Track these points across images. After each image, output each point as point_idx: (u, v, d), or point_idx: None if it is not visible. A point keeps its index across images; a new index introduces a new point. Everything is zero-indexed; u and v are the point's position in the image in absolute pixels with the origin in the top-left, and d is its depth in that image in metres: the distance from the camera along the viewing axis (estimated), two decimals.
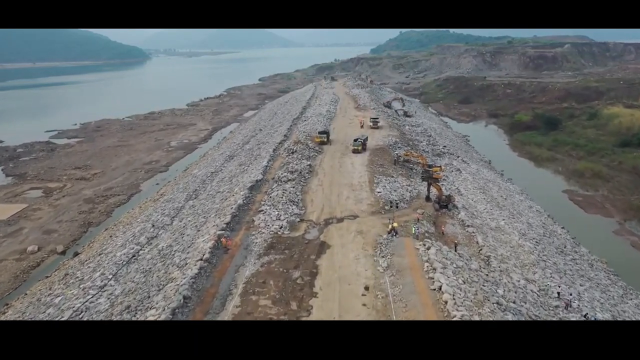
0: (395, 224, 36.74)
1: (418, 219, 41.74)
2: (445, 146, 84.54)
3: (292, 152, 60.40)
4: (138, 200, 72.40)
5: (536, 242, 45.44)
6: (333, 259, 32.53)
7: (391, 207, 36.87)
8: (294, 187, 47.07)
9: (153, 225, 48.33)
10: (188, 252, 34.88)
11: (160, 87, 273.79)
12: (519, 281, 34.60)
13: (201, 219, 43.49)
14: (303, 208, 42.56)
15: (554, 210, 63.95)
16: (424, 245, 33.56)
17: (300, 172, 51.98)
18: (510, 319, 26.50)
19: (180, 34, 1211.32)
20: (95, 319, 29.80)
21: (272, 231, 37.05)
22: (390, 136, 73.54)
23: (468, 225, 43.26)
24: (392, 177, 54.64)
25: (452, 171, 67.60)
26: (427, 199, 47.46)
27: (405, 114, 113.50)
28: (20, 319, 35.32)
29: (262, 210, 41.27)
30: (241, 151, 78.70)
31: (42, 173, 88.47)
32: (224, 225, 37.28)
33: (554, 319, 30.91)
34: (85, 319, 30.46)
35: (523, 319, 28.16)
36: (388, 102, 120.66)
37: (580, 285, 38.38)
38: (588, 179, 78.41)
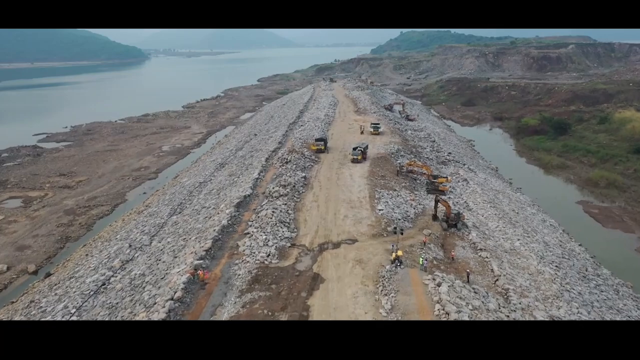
0: (399, 252, 31.95)
1: (425, 243, 36.98)
2: (450, 153, 79.75)
3: (286, 162, 55.63)
4: (122, 212, 67.62)
5: (556, 266, 40.62)
6: (327, 297, 27.75)
7: (395, 232, 32.24)
8: (285, 204, 42.27)
9: (130, 246, 43.59)
10: (159, 287, 30.07)
11: (157, 87, 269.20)
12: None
13: (180, 242, 38.70)
14: (295, 230, 37.77)
15: (569, 225, 59.23)
16: (434, 280, 28.77)
17: (294, 186, 47.20)
18: None
19: (180, 34, 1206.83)
20: None
21: (258, 260, 32.24)
22: (392, 143, 68.73)
23: (481, 249, 38.44)
24: (395, 190, 49.86)
25: (459, 181, 62.81)
26: (434, 217, 42.66)
27: (407, 118, 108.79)
28: None
29: (248, 233, 36.48)
30: (233, 158, 73.94)
31: (24, 180, 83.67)
32: (203, 253, 32.49)
33: None
34: None
35: None
36: (389, 105, 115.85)
37: None
38: (603, 188, 73.58)
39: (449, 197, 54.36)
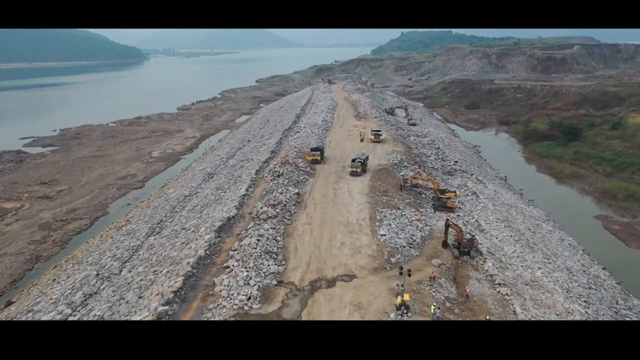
0: (405, 296, 26.60)
1: (434, 278, 31.62)
2: (456, 161, 74.36)
3: (278, 176, 50.25)
4: (102, 227, 62.36)
5: (585, 301, 35.29)
6: None
7: (401, 272, 26.77)
8: (274, 227, 36.91)
9: (98, 274, 38.27)
10: None
11: (153, 88, 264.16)
12: None
13: (150, 275, 33.35)
14: (283, 262, 32.39)
15: (590, 244, 53.87)
16: None
17: (285, 205, 41.84)
18: None
19: (180, 34, 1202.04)
20: None
21: (236, 305, 26.90)
22: (395, 152, 63.36)
23: (499, 284, 33.07)
24: (399, 209, 44.51)
25: (468, 195, 57.45)
26: (445, 244, 37.26)
27: (409, 122, 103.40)
28: None
29: (228, 267, 31.15)
30: (224, 168, 68.62)
31: (1, 190, 78.36)
32: (171, 296, 27.15)
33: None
34: None
35: None
36: (391, 108, 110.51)
37: None
38: (622, 201, 68.19)
39: (458, 215, 49.06)
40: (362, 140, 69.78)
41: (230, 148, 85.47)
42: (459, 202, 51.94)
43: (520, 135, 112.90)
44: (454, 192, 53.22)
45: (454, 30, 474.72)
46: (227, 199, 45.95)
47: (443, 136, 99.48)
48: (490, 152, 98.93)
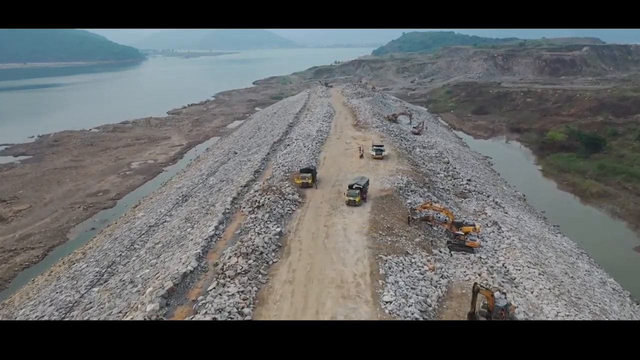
0: None
1: None
2: (469, 180, 64.95)
3: (258, 207, 40.83)
4: (56, 259, 53.05)
5: None
6: None
7: None
8: (242, 291, 27.49)
9: None
10: None
11: (147, 90, 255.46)
12: None
13: None
14: None
15: (636, 287, 44.56)
16: None
17: (262, 253, 32.46)
18: None
19: (180, 34, 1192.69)
20: None
21: None
22: (400, 173, 53.94)
23: None
24: (407, 254, 35.20)
25: (488, 225, 48.08)
26: (471, 315, 27.79)
27: (414, 131, 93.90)
28: None
29: None
30: (201, 188, 59.30)
31: None
32: None
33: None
34: None
35: None
36: (394, 115, 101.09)
37: None
38: None
39: (480, 258, 39.68)
40: (361, 156, 60.32)
41: (213, 161, 76.14)
42: (479, 238, 42.53)
43: (534, 144, 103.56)
44: (473, 225, 43.73)
45: (456, 31, 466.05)
46: (192, 240, 36.54)
47: (451, 147, 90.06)
48: (503, 165, 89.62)
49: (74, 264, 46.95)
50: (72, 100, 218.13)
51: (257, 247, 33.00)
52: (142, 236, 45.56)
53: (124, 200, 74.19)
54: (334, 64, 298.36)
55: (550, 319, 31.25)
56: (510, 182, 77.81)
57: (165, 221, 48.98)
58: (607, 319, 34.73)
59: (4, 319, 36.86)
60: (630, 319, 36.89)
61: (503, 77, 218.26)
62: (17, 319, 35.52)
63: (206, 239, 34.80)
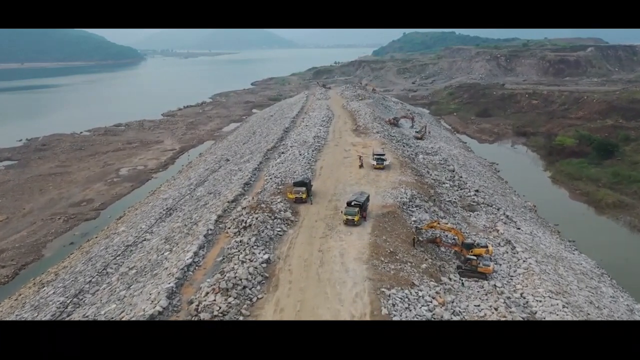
0: None
1: None
2: (477, 190, 60.46)
3: (245, 228, 36.29)
4: (27, 279, 48.51)
5: None
6: None
7: None
8: None
9: None
10: None
11: (143, 91, 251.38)
12: None
13: None
14: None
15: None
16: None
17: (245, 288, 27.92)
18: None
19: (179, 34, 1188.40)
20: None
21: None
22: (403, 185, 49.37)
23: None
24: (413, 285, 30.68)
25: (500, 245, 43.57)
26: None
27: (416, 136, 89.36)
28: None
29: None
30: (188, 200, 54.81)
31: None
32: None
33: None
34: None
35: None
36: (395, 119, 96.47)
37: None
38: None
39: (495, 286, 35.14)
40: (361, 166, 55.71)
41: (204, 169, 71.62)
42: (493, 261, 37.99)
43: (542, 149, 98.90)
44: (485, 246, 39.26)
45: (457, 31, 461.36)
46: (166, 269, 31.95)
47: (456, 152, 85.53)
48: (510, 172, 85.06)
49: (44, 287, 42.50)
50: (66, 102, 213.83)
51: (240, 280, 28.48)
52: (118, 258, 41.01)
53: (108, 210, 69.69)
54: (333, 65, 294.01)
55: None
56: (518, 190, 73.28)
57: (144, 239, 44.47)
58: None
59: None
60: None
61: (506, 78, 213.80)
62: None
63: (182, 269, 30.25)
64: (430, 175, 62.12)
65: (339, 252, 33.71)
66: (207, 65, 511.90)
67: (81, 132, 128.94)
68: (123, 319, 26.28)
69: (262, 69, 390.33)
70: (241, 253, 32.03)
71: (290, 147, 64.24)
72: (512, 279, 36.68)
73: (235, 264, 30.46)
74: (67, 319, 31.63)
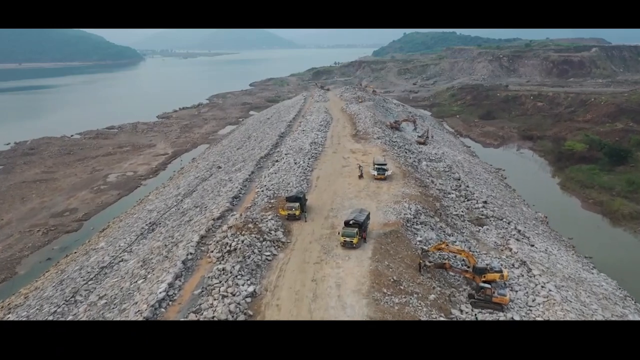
0: None
1: None
2: (485, 201, 56.27)
3: (229, 252, 32.10)
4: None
5: None
6: None
7: None
8: None
9: None
10: None
11: (141, 92, 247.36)
12: None
13: None
14: None
15: None
16: None
17: None
18: None
19: (179, 34, 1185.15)
20: None
21: None
22: (407, 198, 45.16)
23: None
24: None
25: (515, 266, 39.41)
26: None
27: (419, 140, 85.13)
28: None
29: None
30: (174, 213, 50.63)
31: None
32: None
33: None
34: None
35: None
36: (396, 122, 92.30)
37: None
38: None
39: (512, 318, 30.94)
40: (361, 176, 51.49)
41: (195, 177, 67.46)
42: (508, 288, 33.81)
43: (550, 154, 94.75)
44: (500, 271, 35.05)
45: (458, 31, 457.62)
46: (136, 304, 27.73)
47: (460, 158, 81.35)
48: (517, 178, 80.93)
49: (10, 312, 38.34)
50: (62, 103, 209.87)
51: (220, 320, 24.23)
52: (90, 282, 36.84)
53: (91, 221, 65.53)
54: (333, 65, 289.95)
55: None
56: (528, 199, 69.15)
57: (122, 259, 40.30)
58: None
59: None
60: None
61: (509, 79, 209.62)
62: None
63: (152, 306, 26.05)
64: (435, 184, 57.92)
65: (335, 282, 29.50)
66: (206, 66, 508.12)
67: (72, 135, 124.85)
68: None
69: (261, 69, 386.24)
70: (222, 285, 27.85)
71: (285, 154, 60.02)
72: (531, 310, 32.48)
73: (215, 299, 26.31)
74: None
